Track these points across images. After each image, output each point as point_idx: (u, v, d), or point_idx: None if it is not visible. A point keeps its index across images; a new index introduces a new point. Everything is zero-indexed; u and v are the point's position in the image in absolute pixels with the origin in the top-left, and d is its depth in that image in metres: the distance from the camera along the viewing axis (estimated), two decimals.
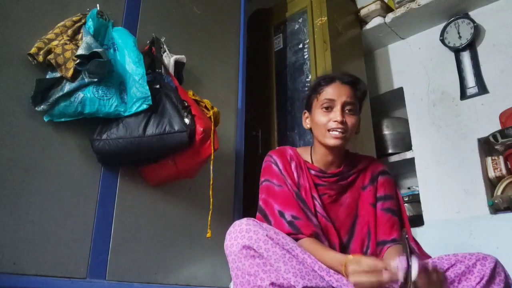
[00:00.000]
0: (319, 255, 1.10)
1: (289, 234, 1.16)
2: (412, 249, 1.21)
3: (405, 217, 1.34)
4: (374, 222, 1.28)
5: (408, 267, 0.98)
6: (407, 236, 1.03)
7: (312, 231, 1.19)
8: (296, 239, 1.16)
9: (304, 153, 1.37)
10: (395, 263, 0.92)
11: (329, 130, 1.24)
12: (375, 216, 1.28)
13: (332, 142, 1.24)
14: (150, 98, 1.48)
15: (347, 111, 1.25)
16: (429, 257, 1.22)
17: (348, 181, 1.31)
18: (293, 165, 1.32)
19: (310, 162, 1.34)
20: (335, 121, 1.22)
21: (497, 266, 1.03)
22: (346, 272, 1.01)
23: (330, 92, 1.26)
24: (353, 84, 1.29)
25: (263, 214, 1.26)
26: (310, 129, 1.35)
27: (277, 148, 1.42)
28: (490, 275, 1.01)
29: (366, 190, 1.32)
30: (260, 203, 1.29)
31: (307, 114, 1.37)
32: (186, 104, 1.54)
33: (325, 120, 1.24)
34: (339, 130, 1.22)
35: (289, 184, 1.27)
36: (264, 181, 1.32)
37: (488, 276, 1.01)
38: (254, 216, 1.27)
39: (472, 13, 2.49)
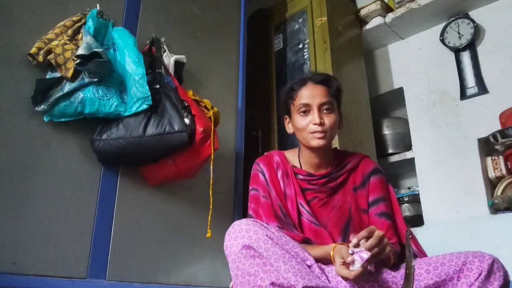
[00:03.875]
0: (311, 253, 1.12)
1: None
2: (415, 250, 1.21)
3: (398, 215, 1.31)
4: None
5: (411, 268, 0.98)
6: (410, 236, 1.03)
7: (303, 236, 1.21)
8: None
9: (292, 156, 1.37)
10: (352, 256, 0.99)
11: (310, 133, 1.25)
12: (367, 223, 1.27)
13: (315, 143, 1.25)
14: (150, 98, 1.48)
15: (324, 110, 1.25)
16: (426, 255, 1.22)
17: (338, 182, 1.30)
18: (279, 174, 1.33)
19: (298, 166, 1.34)
20: (314, 123, 1.23)
21: (495, 262, 1.03)
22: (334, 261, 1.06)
23: (304, 95, 1.26)
24: (326, 83, 1.29)
25: None
26: (294, 133, 1.35)
27: (265, 154, 1.42)
28: (488, 270, 1.01)
29: (358, 193, 1.30)
30: (250, 212, 1.30)
31: (288, 119, 1.37)
32: (186, 104, 1.54)
33: (305, 124, 1.26)
34: (320, 131, 1.23)
35: (273, 196, 1.28)
36: (252, 190, 1.33)
37: (486, 272, 1.01)
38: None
39: (472, 13, 2.49)
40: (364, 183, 1.31)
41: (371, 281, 1.08)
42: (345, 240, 1.25)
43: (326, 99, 1.26)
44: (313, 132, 1.24)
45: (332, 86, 1.29)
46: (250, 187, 1.34)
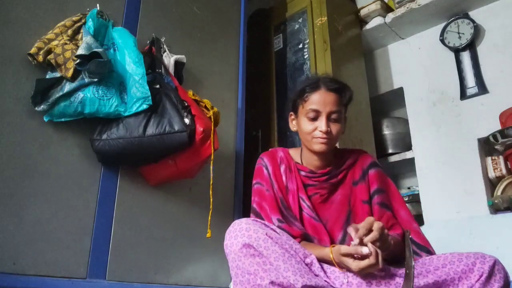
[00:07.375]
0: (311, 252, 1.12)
1: None
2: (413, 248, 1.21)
3: (402, 207, 1.33)
4: None
5: (411, 267, 0.98)
6: (410, 236, 1.03)
7: (301, 232, 1.22)
8: None
9: (295, 154, 1.39)
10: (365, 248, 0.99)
11: (314, 138, 1.26)
12: (369, 213, 1.28)
13: (318, 147, 1.26)
14: (150, 98, 1.48)
15: (332, 119, 1.26)
16: (432, 249, 1.23)
17: (338, 179, 1.32)
18: (282, 168, 1.34)
19: (301, 163, 1.36)
20: (320, 130, 1.24)
21: (496, 264, 1.04)
22: (336, 263, 1.07)
23: (315, 100, 1.26)
24: (339, 91, 1.28)
25: (259, 218, 1.28)
26: (296, 131, 1.36)
27: (270, 149, 1.43)
28: (489, 272, 1.02)
29: (358, 186, 1.32)
30: (254, 205, 1.31)
31: (293, 117, 1.37)
32: (186, 104, 1.54)
33: (311, 129, 1.26)
34: (324, 137, 1.24)
35: (275, 189, 1.30)
36: (256, 184, 1.34)
37: (487, 273, 1.01)
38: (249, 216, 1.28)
39: (472, 13, 2.49)
40: (364, 176, 1.33)
41: (379, 278, 1.08)
42: (346, 235, 1.27)
43: (336, 107, 1.25)
44: (317, 138, 1.25)
45: (345, 96, 1.29)
46: (254, 181, 1.35)
